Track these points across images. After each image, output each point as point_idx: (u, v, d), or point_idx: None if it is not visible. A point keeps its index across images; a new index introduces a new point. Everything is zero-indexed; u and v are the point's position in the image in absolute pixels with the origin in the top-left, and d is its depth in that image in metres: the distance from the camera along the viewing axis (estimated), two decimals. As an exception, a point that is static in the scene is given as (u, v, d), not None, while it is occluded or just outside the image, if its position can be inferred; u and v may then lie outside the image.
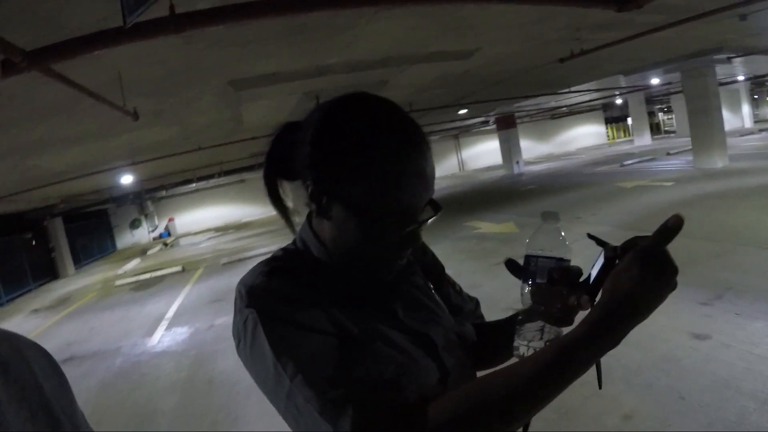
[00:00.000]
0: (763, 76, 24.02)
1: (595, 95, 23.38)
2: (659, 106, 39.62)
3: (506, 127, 25.55)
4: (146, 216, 28.76)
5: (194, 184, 24.07)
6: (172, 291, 11.35)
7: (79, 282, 16.53)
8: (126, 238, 28.57)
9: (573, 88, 16.42)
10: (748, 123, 29.98)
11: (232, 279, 10.38)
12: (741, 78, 23.82)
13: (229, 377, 5.32)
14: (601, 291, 0.75)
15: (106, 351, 7.46)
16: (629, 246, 0.76)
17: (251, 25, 4.39)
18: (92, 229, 24.58)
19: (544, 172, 23.30)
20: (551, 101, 22.04)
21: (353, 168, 0.84)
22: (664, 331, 4.29)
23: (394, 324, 0.92)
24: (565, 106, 28.07)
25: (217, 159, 16.27)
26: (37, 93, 4.92)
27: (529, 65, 10.04)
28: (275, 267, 0.91)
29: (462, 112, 18.08)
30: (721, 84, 17.86)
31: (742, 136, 22.41)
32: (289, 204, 0.97)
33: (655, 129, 38.29)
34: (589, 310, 0.77)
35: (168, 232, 29.12)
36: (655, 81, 18.83)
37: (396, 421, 0.72)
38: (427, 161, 0.87)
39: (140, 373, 6.25)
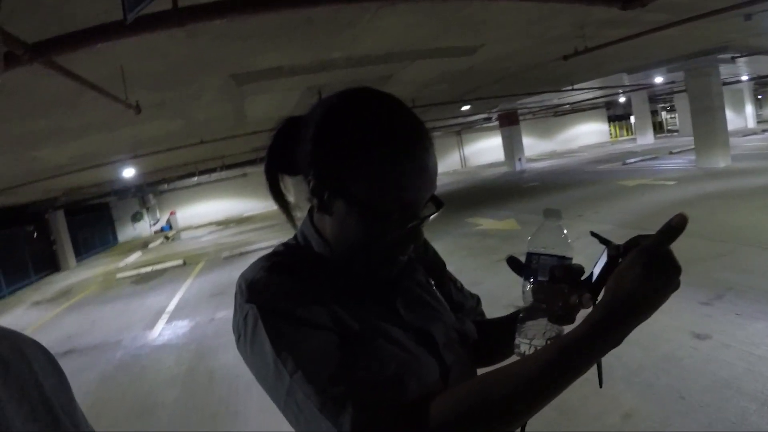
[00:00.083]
0: (767, 76, 23.95)
1: (598, 93, 23.36)
2: (662, 105, 39.53)
3: (509, 123, 25.51)
4: (148, 209, 28.77)
5: (196, 178, 24.05)
6: (173, 284, 11.36)
7: (80, 275, 16.56)
8: (127, 232, 28.59)
9: (576, 86, 16.38)
10: (751, 123, 29.89)
11: (233, 273, 10.39)
12: (745, 78, 23.75)
13: (230, 371, 5.32)
14: (603, 290, 0.74)
15: (106, 344, 7.48)
16: (632, 245, 0.75)
17: (254, 19, 4.37)
18: (94, 222, 24.60)
19: (547, 169, 23.27)
20: (554, 98, 22.01)
21: (356, 163, 0.83)
22: (665, 330, 4.29)
23: (395, 321, 0.92)
24: (568, 104, 28.01)
25: (219, 153, 16.26)
26: (39, 86, 4.91)
27: (533, 62, 10.03)
28: (276, 262, 0.91)
29: (465, 108, 18.06)
30: (725, 84, 17.83)
31: (744, 136, 22.36)
32: (291, 199, 0.96)
33: (658, 128, 38.20)
34: (591, 308, 0.77)
35: (169, 226, 29.12)
36: (658, 80, 18.80)
37: (397, 420, 0.72)
38: (430, 157, 0.87)
39: (141, 366, 6.26)
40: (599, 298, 0.75)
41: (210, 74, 6.52)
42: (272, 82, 7.47)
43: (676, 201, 10.02)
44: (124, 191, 22.16)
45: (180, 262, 14.50)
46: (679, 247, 0.71)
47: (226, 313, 7.65)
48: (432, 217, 0.90)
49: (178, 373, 5.81)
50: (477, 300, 1.23)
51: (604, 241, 0.83)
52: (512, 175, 23.67)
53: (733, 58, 13.91)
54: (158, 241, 22.97)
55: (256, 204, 28.70)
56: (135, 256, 18.42)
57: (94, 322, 9.14)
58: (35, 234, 18.16)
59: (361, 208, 0.85)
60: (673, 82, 20.40)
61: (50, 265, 18.49)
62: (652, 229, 0.72)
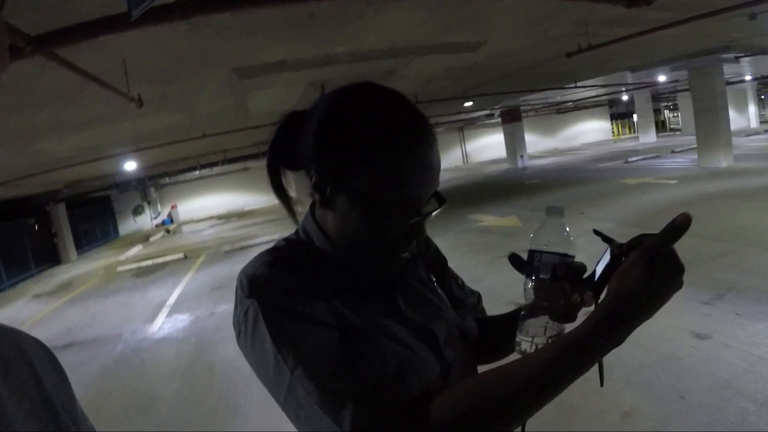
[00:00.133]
0: (771, 76, 23.92)
1: (601, 91, 23.33)
2: (665, 104, 39.49)
3: (511, 120, 25.51)
4: (149, 203, 28.76)
5: (197, 172, 24.07)
6: (174, 278, 11.38)
7: (81, 268, 16.58)
8: (128, 225, 28.61)
9: (579, 83, 16.35)
10: (754, 123, 29.83)
11: (234, 267, 10.44)
12: (748, 78, 23.70)
13: (230, 365, 5.33)
14: (605, 288, 0.74)
15: (107, 337, 7.49)
16: (636, 244, 0.75)
17: (258, 12, 4.36)
18: (95, 215, 24.61)
19: (549, 166, 23.26)
20: (557, 96, 22.01)
21: (358, 158, 0.83)
22: (666, 329, 4.29)
23: (396, 317, 0.91)
24: (571, 101, 28.00)
25: (221, 147, 16.26)
26: (41, 78, 4.91)
27: (536, 59, 10.01)
28: (277, 257, 0.90)
29: (467, 104, 18.04)
30: (728, 83, 17.78)
31: (747, 136, 22.29)
32: (292, 194, 0.96)
33: (661, 126, 38.17)
34: (593, 307, 0.77)
35: (171, 219, 29.13)
36: (661, 78, 18.75)
37: (397, 418, 0.71)
38: (433, 153, 0.86)
39: (141, 359, 6.27)
40: (601, 296, 0.75)
41: (213, 68, 6.51)
42: (275, 76, 7.46)
43: (678, 200, 10.01)
44: (126, 184, 22.16)
45: (181, 255, 14.51)
46: (680, 247, 0.70)
47: (226, 307, 7.66)
48: (434, 213, 0.90)
49: (178, 366, 5.82)
50: (478, 297, 1.22)
51: (607, 239, 0.83)
52: (514, 171, 23.67)
53: (736, 58, 13.87)
54: (159, 235, 22.99)
55: (258, 198, 28.70)
56: (136, 250, 18.44)
57: (94, 315, 9.16)
58: (36, 227, 18.17)
59: (363, 204, 0.84)
60: (676, 81, 20.36)
61: (51, 257, 18.52)
62: (653, 228, 0.72)
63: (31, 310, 10.98)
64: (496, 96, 16.47)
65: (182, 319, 7.74)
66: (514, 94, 17.52)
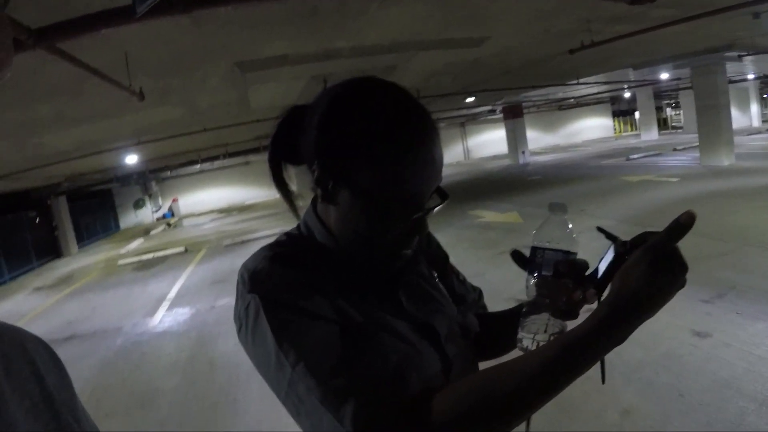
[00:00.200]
0: (774, 75, 23.85)
1: (603, 88, 23.27)
2: (667, 102, 39.38)
3: (513, 116, 25.48)
4: (150, 196, 28.77)
5: (199, 165, 24.07)
6: (175, 271, 11.39)
7: (81, 261, 16.60)
8: (129, 218, 28.61)
9: (581, 80, 16.33)
10: (756, 122, 29.74)
11: (235, 260, 10.45)
12: (751, 77, 23.64)
13: (230, 359, 5.34)
14: (609, 286, 0.74)
15: (107, 330, 7.51)
16: (639, 241, 0.75)
17: (260, 6, 4.35)
18: (96, 208, 24.62)
19: (550, 163, 23.27)
20: (559, 92, 21.95)
21: (361, 153, 0.82)
22: (666, 328, 4.29)
23: (398, 313, 0.91)
24: (573, 98, 27.95)
25: (223, 141, 16.25)
26: (42, 71, 4.89)
27: (539, 55, 9.98)
28: (279, 252, 0.90)
29: (469, 100, 18.00)
30: (731, 82, 17.73)
31: (749, 135, 22.23)
32: (294, 188, 0.95)
33: (663, 124, 38.05)
34: (595, 304, 0.76)
35: (171, 213, 29.14)
36: (664, 76, 18.71)
37: (398, 415, 0.71)
38: (436, 148, 0.86)
39: (141, 353, 6.28)
40: (604, 294, 0.75)
41: (215, 62, 6.50)
42: (277, 70, 7.45)
43: (680, 198, 10.01)
44: (127, 178, 22.17)
45: (182, 249, 14.53)
46: (681, 245, 0.70)
47: (226, 300, 7.67)
48: (437, 209, 0.89)
49: (178, 360, 5.83)
50: (479, 293, 1.22)
51: (610, 236, 0.82)
52: (515, 168, 23.66)
53: (739, 56, 13.83)
54: (160, 228, 23.00)
55: (259, 192, 28.68)
56: (137, 243, 18.46)
57: (95, 308, 9.17)
58: (37, 220, 18.17)
59: (365, 199, 0.84)
60: (678, 79, 20.32)
61: (52, 251, 18.52)
62: (654, 226, 0.71)
63: (31, 303, 10.99)
64: (498, 92, 16.45)
65: (183, 313, 7.75)
66: (516, 90, 17.51)
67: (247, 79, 7.81)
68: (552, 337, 0.84)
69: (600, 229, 0.86)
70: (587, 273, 0.84)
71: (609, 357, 0.74)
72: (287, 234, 0.98)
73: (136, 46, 4.94)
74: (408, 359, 0.82)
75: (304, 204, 0.98)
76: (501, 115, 26.96)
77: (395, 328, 0.88)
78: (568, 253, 0.86)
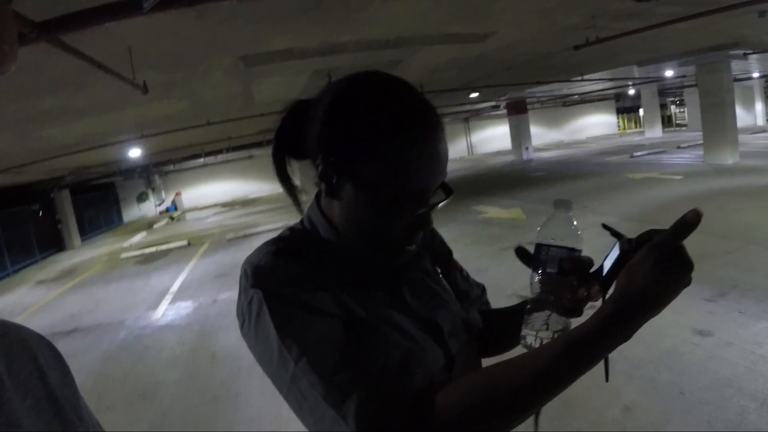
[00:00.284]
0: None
1: (608, 84, 23.22)
2: (672, 99, 39.27)
3: (517, 112, 25.42)
4: (153, 190, 28.83)
5: (202, 159, 24.08)
6: (178, 265, 11.41)
7: (84, 254, 16.63)
8: (132, 212, 28.68)
9: (586, 77, 16.29)
10: (760, 121, 29.63)
11: (238, 254, 10.47)
12: (756, 75, 23.55)
13: (232, 353, 5.35)
14: (614, 284, 0.73)
15: (110, 323, 7.52)
16: (645, 239, 0.74)
17: (265, 0, 4.34)
18: (99, 201, 24.68)
19: (554, 159, 23.21)
20: (563, 88, 21.91)
21: (366, 148, 0.82)
22: (668, 325, 4.28)
23: (401, 309, 0.91)
24: (577, 94, 27.88)
25: (226, 134, 16.24)
26: (46, 64, 4.89)
27: (543, 51, 9.96)
28: (282, 247, 0.89)
29: (473, 95, 17.98)
30: (736, 80, 17.67)
31: (753, 133, 22.13)
32: (297, 182, 0.95)
33: (667, 122, 37.97)
34: (600, 302, 0.76)
35: (174, 206, 29.20)
36: (669, 73, 18.67)
37: (402, 411, 0.71)
38: (441, 143, 0.85)
39: (143, 346, 6.30)
40: (609, 292, 0.74)
41: (219, 56, 6.49)
42: (281, 64, 7.44)
43: (683, 196, 9.98)
44: (130, 171, 22.23)
45: (184, 242, 14.55)
46: (685, 243, 0.70)
47: (229, 294, 7.69)
48: (441, 204, 0.89)
49: (180, 353, 5.85)
50: (482, 289, 1.21)
51: (616, 234, 0.82)
52: (519, 163, 23.64)
53: (745, 55, 13.77)
54: (163, 222, 23.06)
55: (262, 186, 28.73)
56: (140, 236, 18.49)
57: (97, 301, 9.19)
58: (40, 213, 18.21)
59: (370, 194, 0.83)
60: (683, 77, 20.29)
61: (55, 244, 18.56)
62: (658, 223, 0.71)
63: (34, 296, 11.02)
64: (502, 87, 16.42)
65: (185, 307, 7.76)
66: (520, 86, 17.46)
67: (251, 73, 7.81)
68: (556, 335, 0.84)
69: (605, 227, 0.86)
70: (592, 270, 0.84)
71: (611, 354, 0.74)
72: (291, 229, 0.98)
73: (140, 39, 4.94)
74: (412, 355, 0.82)
75: (307, 199, 0.98)
76: (505, 111, 26.91)
77: (399, 324, 0.87)
78: (572, 250, 0.85)
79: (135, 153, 14.76)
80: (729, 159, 13.78)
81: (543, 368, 0.70)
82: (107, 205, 26.26)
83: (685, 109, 34.03)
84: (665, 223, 0.71)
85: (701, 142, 15.06)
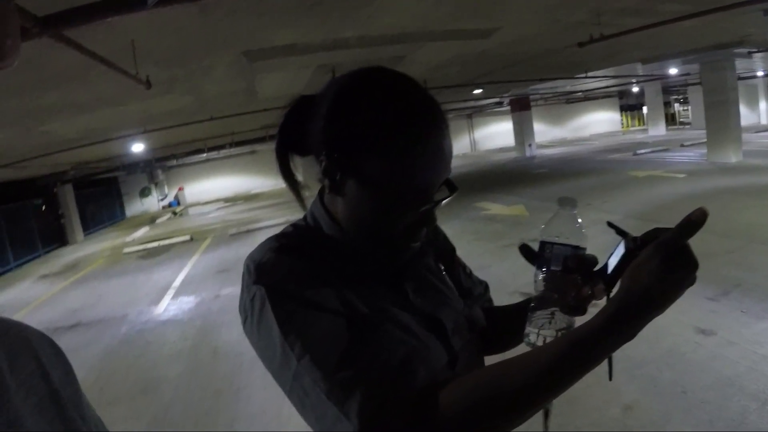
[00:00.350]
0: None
1: (611, 82, 23.18)
2: (675, 97, 39.16)
3: (520, 109, 25.39)
4: (156, 184, 28.84)
5: (205, 154, 24.07)
6: (180, 260, 11.43)
7: (87, 249, 16.66)
8: (135, 206, 28.72)
9: (590, 74, 16.25)
10: (764, 119, 29.49)
11: (240, 250, 10.50)
12: (760, 73, 23.48)
13: (234, 348, 5.36)
14: (618, 282, 0.73)
15: (112, 318, 7.54)
16: (650, 238, 0.73)
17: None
18: (102, 196, 24.71)
19: (557, 156, 23.17)
20: (567, 85, 21.88)
21: (369, 144, 0.81)
22: (670, 324, 4.27)
23: (404, 306, 0.90)
24: (581, 92, 27.82)
25: (229, 129, 16.24)
26: (49, 59, 4.88)
27: (548, 48, 9.93)
28: (285, 243, 0.89)
29: (477, 92, 17.95)
30: (740, 78, 17.61)
31: (757, 132, 22.02)
32: (300, 178, 0.95)
33: (670, 119, 37.86)
34: (604, 300, 0.76)
35: (177, 201, 29.22)
36: (673, 71, 18.61)
37: (404, 409, 0.70)
38: (445, 140, 0.85)
39: (145, 341, 6.31)
40: (613, 290, 0.74)
41: (222, 51, 6.48)
42: (284, 59, 7.43)
43: (687, 194, 9.95)
44: (133, 166, 22.24)
45: (187, 237, 14.56)
46: (688, 242, 0.69)
47: (231, 289, 7.71)
48: (445, 201, 0.88)
49: (182, 348, 5.86)
50: (485, 286, 1.21)
51: (621, 232, 0.81)
52: (522, 160, 23.59)
53: (749, 53, 13.73)
54: (166, 217, 23.07)
55: (265, 181, 28.72)
56: (142, 231, 18.51)
57: (100, 296, 9.21)
58: (43, 207, 18.24)
59: (373, 190, 0.83)
60: (687, 74, 20.22)
61: (58, 238, 18.58)
62: (661, 221, 0.71)
63: (37, 290, 11.05)
64: (506, 84, 16.39)
65: (187, 302, 7.77)
66: (523, 83, 17.44)
67: (254, 68, 7.80)
68: (559, 333, 0.84)
69: (610, 224, 0.85)
70: (596, 268, 0.83)
71: (613, 353, 0.73)
72: (294, 225, 0.98)
73: (143, 34, 4.93)
74: (415, 352, 0.81)
75: (310, 194, 0.97)
76: (508, 108, 26.89)
77: (402, 321, 0.87)
78: (577, 248, 0.85)
79: (138, 148, 14.77)
80: (732, 157, 13.73)
81: (546, 367, 0.70)
82: (110, 200, 26.28)
83: (689, 107, 33.94)
84: (668, 221, 0.71)
85: (705, 140, 15.00)
